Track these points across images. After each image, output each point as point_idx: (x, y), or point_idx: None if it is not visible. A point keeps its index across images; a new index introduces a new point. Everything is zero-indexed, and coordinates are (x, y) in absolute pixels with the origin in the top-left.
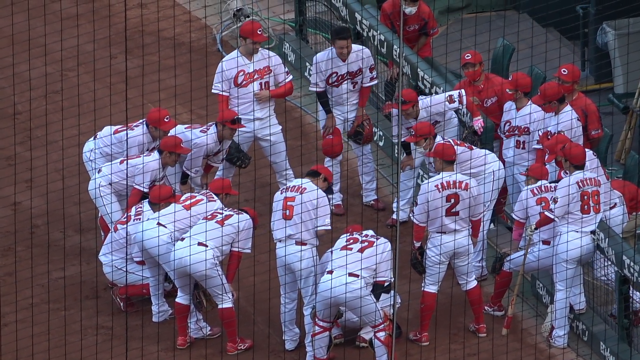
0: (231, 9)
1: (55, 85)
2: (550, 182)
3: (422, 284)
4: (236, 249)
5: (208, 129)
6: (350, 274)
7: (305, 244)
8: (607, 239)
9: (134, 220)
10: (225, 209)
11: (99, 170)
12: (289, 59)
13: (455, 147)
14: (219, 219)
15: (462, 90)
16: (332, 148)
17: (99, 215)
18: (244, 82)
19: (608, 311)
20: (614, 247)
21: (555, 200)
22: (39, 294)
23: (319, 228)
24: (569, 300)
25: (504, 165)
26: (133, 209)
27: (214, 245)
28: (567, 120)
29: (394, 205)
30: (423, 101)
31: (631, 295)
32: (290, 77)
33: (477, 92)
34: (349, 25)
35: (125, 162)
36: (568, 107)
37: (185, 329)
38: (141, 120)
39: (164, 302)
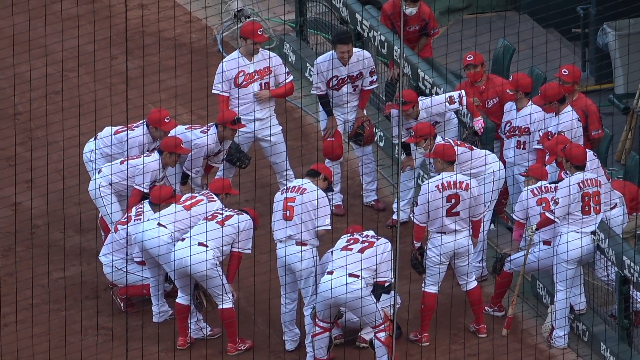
0: (232, 9)
1: (55, 85)
2: (550, 183)
3: (423, 285)
4: (236, 250)
5: (208, 130)
6: (351, 275)
7: (306, 245)
8: (607, 240)
9: (134, 221)
10: (226, 209)
11: (99, 171)
12: (290, 60)
13: (456, 147)
14: (219, 220)
15: (463, 91)
16: (333, 150)
17: (99, 215)
18: (244, 83)
19: (608, 311)
20: (614, 247)
21: (556, 202)
22: (39, 294)
23: (319, 228)
24: (569, 301)
25: (504, 165)
26: (133, 209)
27: (215, 246)
28: (568, 120)
29: (394, 205)
30: (423, 102)
31: (631, 295)
32: (291, 77)
33: (479, 93)
34: (349, 25)
35: (125, 162)
36: (568, 108)
37: (186, 330)
38: (142, 121)
39: (164, 302)
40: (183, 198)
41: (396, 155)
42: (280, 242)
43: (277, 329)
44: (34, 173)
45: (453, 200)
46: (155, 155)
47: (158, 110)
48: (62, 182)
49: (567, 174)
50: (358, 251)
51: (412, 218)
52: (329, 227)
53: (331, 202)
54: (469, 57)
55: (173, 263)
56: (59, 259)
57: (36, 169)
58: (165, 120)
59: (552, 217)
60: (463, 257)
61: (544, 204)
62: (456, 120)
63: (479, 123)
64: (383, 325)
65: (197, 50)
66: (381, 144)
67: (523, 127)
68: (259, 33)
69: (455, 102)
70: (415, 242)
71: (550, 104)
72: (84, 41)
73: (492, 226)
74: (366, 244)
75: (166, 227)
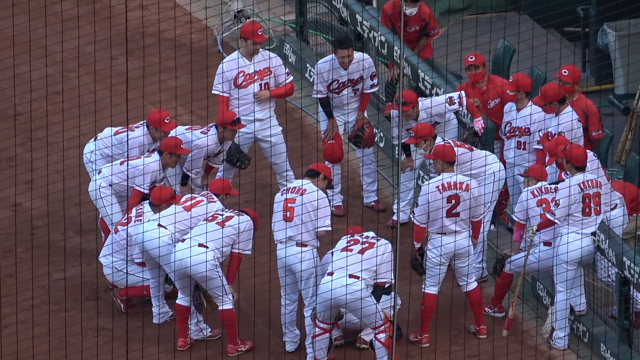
0: (232, 10)
1: (56, 86)
2: (550, 184)
3: (423, 285)
4: (237, 250)
5: (208, 130)
6: (351, 276)
7: (306, 246)
8: (607, 240)
9: (134, 222)
10: (226, 210)
11: (100, 172)
12: (290, 60)
13: (456, 148)
14: (219, 220)
15: (462, 92)
16: (333, 153)
17: (100, 216)
18: (244, 83)
19: (608, 312)
20: (614, 248)
21: (557, 203)
22: (39, 295)
23: (319, 229)
24: (570, 302)
25: (504, 166)
26: (134, 210)
27: (215, 247)
28: (568, 121)
29: (395, 206)
30: (423, 102)
31: (632, 296)
32: (291, 77)
33: (480, 94)
34: (350, 26)
35: (125, 163)
36: (569, 108)
37: (186, 331)
38: (142, 122)
39: (164, 303)
40: (183, 199)
41: (396, 156)
42: (281, 243)
43: (277, 330)
44: (34, 174)
45: (453, 201)
46: (156, 156)
47: (158, 111)
48: (63, 182)
49: (568, 174)
50: (358, 252)
51: (412, 219)
52: (329, 228)
53: (331, 203)
54: (471, 58)
55: (173, 264)
56: (59, 259)
57: (36, 170)
58: (166, 120)
59: (552, 219)
60: (463, 258)
61: (544, 205)
62: (456, 120)
63: (479, 124)
64: (383, 326)
65: (197, 51)
66: (381, 145)
67: (523, 127)
68: (259, 33)
69: (455, 102)
70: (415, 243)
71: (551, 105)
72: (84, 42)
73: (492, 227)
74: (366, 244)
75: (166, 228)
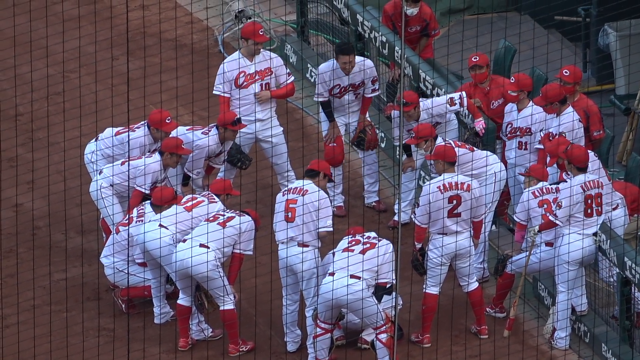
0: (233, 10)
1: (57, 86)
2: (551, 184)
3: (424, 286)
4: (238, 251)
5: (209, 131)
6: (352, 276)
7: (308, 246)
8: (608, 241)
9: (135, 222)
10: (227, 210)
11: (101, 172)
12: (291, 61)
13: (456, 148)
14: (220, 221)
15: (463, 93)
16: (334, 155)
17: (101, 216)
18: (245, 84)
19: (610, 313)
20: (615, 248)
21: (559, 205)
22: (40, 295)
23: (320, 229)
24: (571, 302)
25: (505, 166)
26: (135, 210)
27: (216, 247)
28: (569, 121)
29: (396, 206)
30: (424, 103)
31: (633, 296)
32: (292, 78)
33: (484, 94)
34: (350, 26)
35: (126, 163)
36: (570, 109)
37: (187, 331)
38: (142, 122)
39: (165, 303)
40: (184, 199)
41: (397, 157)
42: (282, 243)
43: (279, 330)
44: (35, 174)
45: (454, 202)
46: (156, 156)
47: (159, 111)
48: (64, 183)
49: (569, 174)
50: (359, 252)
51: (413, 219)
52: (331, 229)
53: (332, 204)
54: (475, 58)
55: (174, 264)
56: (61, 260)
57: (37, 170)
58: (166, 121)
59: (555, 221)
60: (464, 258)
61: (545, 206)
62: (456, 121)
63: (480, 124)
64: (384, 327)
65: (198, 51)
66: (382, 145)
67: (525, 127)
68: (260, 33)
69: (456, 103)
70: (416, 243)
71: (552, 105)
72: (85, 42)
73: (494, 227)
74: (368, 245)
75: (167, 229)
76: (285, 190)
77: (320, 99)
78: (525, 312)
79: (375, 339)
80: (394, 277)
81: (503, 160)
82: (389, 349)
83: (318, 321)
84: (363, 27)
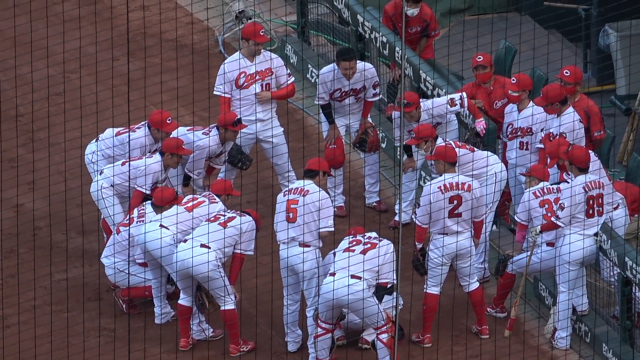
0: (233, 10)
1: (57, 87)
2: (552, 184)
3: (425, 286)
4: (239, 251)
5: (210, 131)
6: (353, 276)
7: (309, 246)
8: (609, 241)
9: (136, 222)
10: (228, 210)
11: (101, 172)
12: (291, 61)
13: (457, 149)
14: (221, 221)
15: (464, 93)
16: (335, 157)
17: (102, 217)
18: (245, 84)
19: (611, 313)
20: (616, 248)
21: (562, 207)
22: (41, 295)
23: (322, 230)
24: (572, 302)
25: (506, 167)
26: (135, 210)
27: (217, 247)
28: (570, 122)
29: (397, 207)
30: (424, 103)
31: (634, 296)
32: (292, 79)
33: (487, 94)
34: (351, 27)
35: (127, 163)
36: (570, 109)
37: (188, 331)
38: (143, 122)
39: (166, 304)
40: (185, 199)
41: (398, 157)
42: (283, 243)
43: (280, 330)
44: (36, 174)
45: (455, 202)
46: (157, 156)
47: (159, 112)
48: (64, 183)
49: (569, 174)
50: (360, 252)
51: (414, 219)
52: (332, 229)
53: (333, 203)
54: (479, 58)
55: (175, 264)
56: (61, 260)
57: (38, 171)
58: (167, 121)
59: (559, 224)
60: (465, 258)
61: (546, 206)
62: (456, 121)
63: (480, 124)
64: (385, 327)
65: (199, 52)
66: (383, 146)
67: (526, 127)
68: (261, 34)
69: (456, 104)
70: (417, 243)
71: (552, 105)
72: (86, 42)
73: (494, 227)
74: (368, 245)
75: (168, 229)
76: (286, 191)
77: (321, 102)
78: (526, 312)
79: (376, 339)
80: (394, 277)
81: (504, 160)
82: (389, 349)
83: (319, 321)
84: (364, 27)
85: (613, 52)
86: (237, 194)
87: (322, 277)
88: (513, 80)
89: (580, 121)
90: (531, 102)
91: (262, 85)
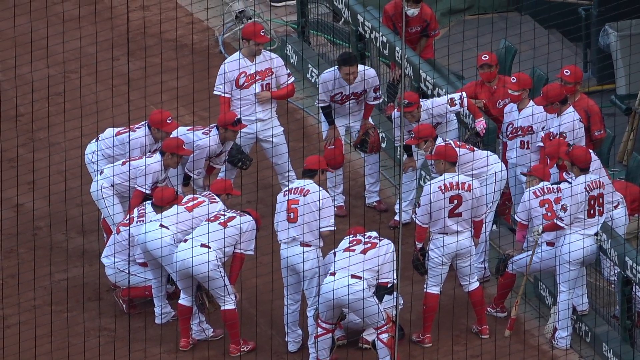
0: (233, 10)
1: (57, 87)
2: (552, 184)
3: (425, 285)
4: (239, 251)
5: (210, 131)
6: (353, 276)
7: (310, 246)
8: (609, 240)
9: (136, 222)
10: (228, 210)
11: (101, 172)
12: (291, 61)
13: (457, 148)
14: (222, 221)
15: (464, 93)
16: (335, 158)
17: (102, 217)
18: (246, 84)
19: (611, 312)
20: (616, 248)
21: (564, 208)
22: (41, 295)
23: (323, 229)
24: (572, 302)
25: (506, 166)
26: (135, 210)
27: (217, 247)
28: (570, 121)
29: (397, 206)
30: (424, 103)
31: (634, 296)
32: (292, 79)
33: (491, 93)
34: (351, 27)
35: (127, 163)
36: (570, 109)
37: (188, 331)
38: (143, 122)
39: (166, 303)
40: (185, 199)
41: (398, 157)
42: (284, 243)
43: (280, 330)
44: (36, 174)
45: (456, 201)
46: (157, 156)
47: (159, 112)
48: (64, 183)
49: (569, 174)
50: (360, 252)
51: (414, 219)
52: (334, 228)
53: (333, 203)
54: (485, 57)
55: (175, 264)
56: (61, 260)
57: (38, 171)
58: (167, 121)
59: (561, 225)
60: (465, 257)
61: (546, 205)
62: (456, 121)
63: (480, 124)
64: (386, 327)
65: (199, 52)
66: (383, 145)
67: (526, 127)
68: (262, 34)
69: (456, 104)
70: (417, 243)
71: (552, 105)
72: (86, 42)
73: (494, 227)
74: (369, 245)
75: (168, 229)
76: (286, 191)
77: (321, 105)
78: (526, 311)
79: (376, 339)
80: (395, 277)
81: (503, 160)
82: (390, 349)
83: (319, 321)
84: (364, 27)
85: (613, 51)
86: (237, 194)
87: (323, 276)
88: (513, 79)
89: (580, 121)
90: (531, 101)
91: (262, 85)
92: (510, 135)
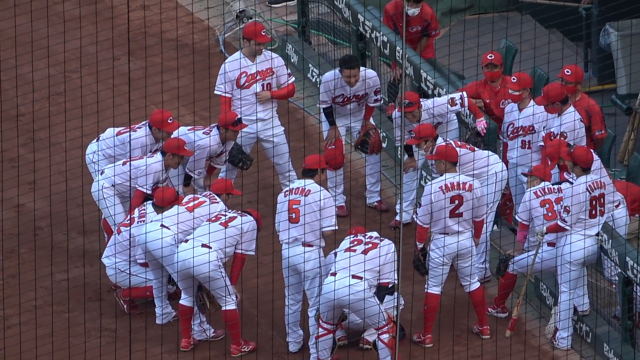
0: (234, 10)
1: (58, 87)
2: (553, 184)
3: (425, 286)
4: (240, 251)
5: (211, 131)
6: (354, 276)
7: (312, 246)
8: (610, 241)
9: (137, 222)
10: (229, 210)
11: (102, 172)
12: (292, 61)
13: (457, 148)
14: (222, 221)
15: (464, 93)
16: (335, 158)
17: (102, 217)
18: (246, 84)
19: (612, 313)
20: (617, 248)
21: (567, 210)
22: (42, 296)
23: (325, 228)
24: (573, 302)
25: (507, 166)
26: (136, 211)
27: (218, 247)
28: (570, 121)
29: (397, 206)
30: (425, 103)
31: (635, 296)
32: (293, 79)
33: (494, 93)
34: (352, 26)
35: (128, 163)
36: (571, 108)
37: (189, 331)
38: (144, 122)
39: (167, 304)
40: (186, 199)
41: (399, 157)
42: (286, 243)
43: (281, 330)
44: (37, 174)
45: (456, 202)
46: (158, 156)
47: (160, 111)
48: (65, 183)
49: (570, 174)
50: (361, 252)
51: (415, 219)
52: (336, 227)
53: (334, 203)
54: (490, 56)
55: (176, 264)
56: (62, 260)
57: (39, 171)
58: (168, 121)
59: (564, 226)
60: (466, 258)
61: (547, 205)
62: (457, 121)
63: (481, 124)
64: (386, 327)
65: (200, 51)
66: (384, 145)
67: (527, 126)
68: (262, 34)
69: (456, 103)
70: (418, 243)
71: (553, 105)
72: (86, 42)
73: (495, 227)
74: (370, 245)
75: (169, 229)
76: (287, 191)
77: (322, 106)
78: (527, 312)
79: (377, 339)
80: (395, 277)
81: (504, 160)
82: (390, 349)
83: (320, 321)
84: (364, 27)
85: (614, 51)
86: (238, 194)
87: (324, 277)
88: (513, 79)
89: (581, 120)
90: (532, 100)
91: (262, 85)
92: (511, 135)
